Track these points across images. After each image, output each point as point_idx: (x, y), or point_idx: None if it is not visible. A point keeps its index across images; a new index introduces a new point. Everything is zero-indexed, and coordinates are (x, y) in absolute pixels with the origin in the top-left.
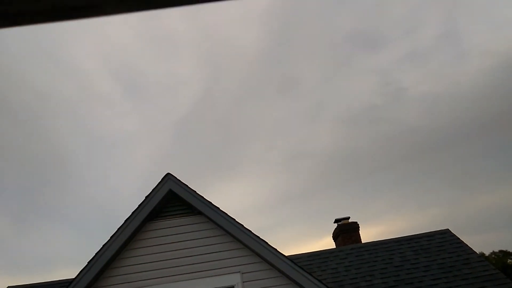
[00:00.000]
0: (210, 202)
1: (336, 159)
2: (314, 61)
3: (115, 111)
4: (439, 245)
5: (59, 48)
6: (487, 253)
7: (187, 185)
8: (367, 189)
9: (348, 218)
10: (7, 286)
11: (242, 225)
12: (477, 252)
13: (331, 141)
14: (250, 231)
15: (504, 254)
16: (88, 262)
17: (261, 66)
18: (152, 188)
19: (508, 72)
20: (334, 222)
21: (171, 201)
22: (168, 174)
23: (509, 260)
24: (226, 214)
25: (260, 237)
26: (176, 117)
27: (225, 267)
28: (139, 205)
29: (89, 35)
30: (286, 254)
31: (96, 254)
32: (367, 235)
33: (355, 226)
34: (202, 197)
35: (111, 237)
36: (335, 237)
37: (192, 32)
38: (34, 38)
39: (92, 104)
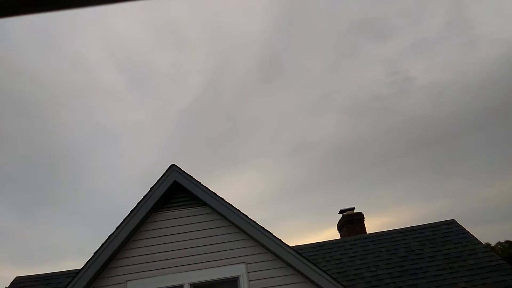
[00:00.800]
0: (215, 193)
1: (342, 150)
2: (320, 51)
3: (121, 103)
4: (445, 236)
5: (65, 40)
6: (493, 243)
7: (191, 176)
8: (372, 180)
9: (353, 209)
10: (15, 276)
11: (247, 216)
12: (483, 243)
13: (336, 132)
14: (255, 222)
15: (510, 244)
16: (94, 253)
17: (266, 58)
18: (157, 179)
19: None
20: (339, 213)
21: (176, 192)
22: (172, 165)
23: None
24: (231, 205)
25: (265, 228)
26: (181, 108)
27: (230, 258)
28: (144, 197)
29: (93, 26)
30: (291, 245)
31: (102, 245)
32: (372, 226)
33: (360, 217)
34: (207, 188)
35: (116, 228)
36: (340, 228)
37: (196, 22)
38: (39, 29)
39: (98, 96)
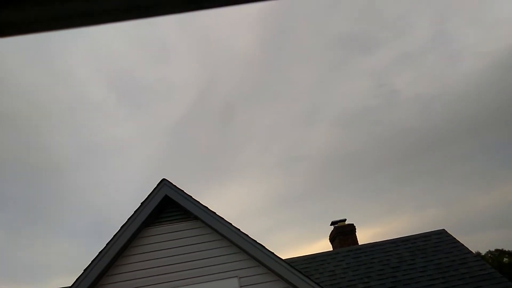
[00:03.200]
0: (206, 207)
1: (332, 161)
2: (308, 64)
3: (110, 118)
4: (436, 246)
5: (53, 56)
6: (483, 252)
7: (182, 191)
8: (363, 190)
9: (345, 220)
10: None
11: (239, 230)
12: (473, 252)
13: (326, 143)
14: (247, 235)
15: (500, 253)
16: (85, 270)
17: (255, 70)
18: (148, 194)
19: (500, 73)
20: (331, 225)
21: (167, 207)
22: (163, 179)
23: (505, 259)
24: (223, 218)
25: (257, 241)
26: (171, 123)
27: (223, 272)
28: (135, 211)
29: (82, 43)
30: (283, 258)
31: (92, 261)
32: (363, 236)
33: (351, 228)
34: (198, 202)
35: (107, 244)
36: (332, 239)
37: (185, 38)
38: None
39: (87, 112)
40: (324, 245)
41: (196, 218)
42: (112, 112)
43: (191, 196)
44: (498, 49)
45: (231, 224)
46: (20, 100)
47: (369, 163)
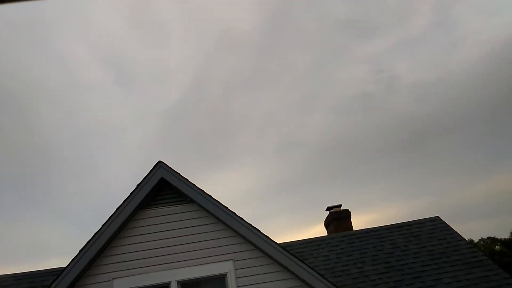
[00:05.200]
0: (202, 190)
1: (328, 148)
2: (307, 49)
3: (106, 100)
4: (429, 232)
5: (45, 36)
6: (476, 240)
7: (179, 173)
8: (359, 177)
9: (340, 206)
10: None
11: (235, 213)
12: (466, 239)
13: (323, 130)
14: (243, 219)
15: (492, 240)
16: (80, 251)
17: (253, 56)
18: (144, 176)
19: (500, 60)
20: (326, 210)
21: (163, 189)
22: (159, 162)
23: (497, 247)
24: (219, 202)
25: (253, 225)
26: (167, 106)
27: (218, 255)
28: (131, 194)
29: (75, 22)
30: (278, 242)
31: (87, 242)
32: (358, 222)
33: (346, 214)
34: (194, 185)
35: (102, 225)
36: (327, 224)
37: (182, 19)
38: (21, 25)
39: (82, 93)
40: (319, 231)
41: (192, 201)
42: (108, 93)
43: (187, 179)
44: (499, 37)
45: (226, 207)
46: (11, 80)
47: (366, 150)
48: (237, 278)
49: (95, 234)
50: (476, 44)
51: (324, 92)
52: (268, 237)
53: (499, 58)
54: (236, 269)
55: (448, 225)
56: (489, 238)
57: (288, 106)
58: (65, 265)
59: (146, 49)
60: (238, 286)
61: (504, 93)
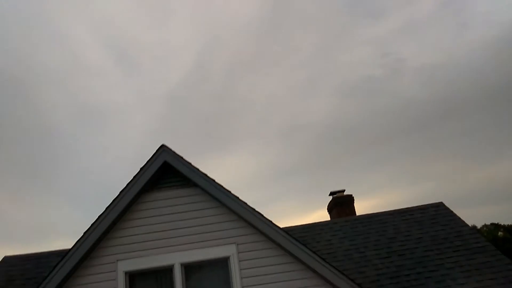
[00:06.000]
0: (205, 174)
1: (332, 132)
2: (311, 31)
3: (108, 82)
4: (432, 218)
5: (47, 17)
6: (479, 226)
7: (182, 157)
8: (363, 162)
9: (343, 191)
10: (4, 255)
11: (237, 197)
12: (469, 225)
13: (326, 114)
14: (245, 203)
15: (495, 227)
16: (84, 233)
17: (255, 38)
18: (147, 160)
19: (508, 44)
20: (329, 195)
21: (166, 173)
22: (162, 145)
23: (500, 233)
24: (222, 186)
25: (255, 209)
26: (169, 88)
27: (221, 239)
28: (134, 177)
29: (77, 2)
30: (281, 226)
31: (92, 224)
32: (361, 208)
33: (350, 199)
34: (197, 169)
35: (106, 208)
36: (330, 209)
37: (186, 1)
38: (23, 6)
39: (84, 74)
40: (322, 215)
41: (195, 185)
42: (110, 75)
43: (190, 163)
44: (508, 20)
45: (229, 191)
46: (18, 63)
47: (370, 134)
48: (239, 261)
49: (99, 216)
50: (486, 27)
51: (328, 75)
52: (270, 221)
53: (507, 42)
54: (239, 253)
55: (451, 211)
56: (492, 224)
57: (291, 89)
58: (70, 247)
59: (148, 31)
60: (240, 269)
61: (509, 77)
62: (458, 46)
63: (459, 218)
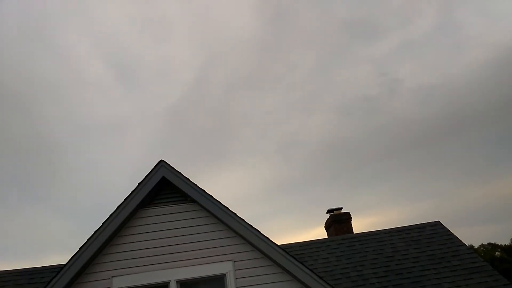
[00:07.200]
0: (204, 190)
1: (329, 149)
2: (309, 50)
3: (107, 97)
4: (430, 237)
5: (49, 32)
6: (476, 245)
7: (180, 173)
8: (360, 180)
9: (341, 208)
10: None
11: (235, 214)
12: (467, 245)
13: (324, 131)
14: (243, 220)
15: (493, 246)
16: (80, 248)
17: (255, 54)
18: (145, 175)
19: (503, 64)
20: (327, 213)
21: (164, 189)
22: (161, 161)
23: (497, 253)
24: (220, 202)
25: (253, 226)
26: (169, 104)
27: (218, 255)
28: (132, 192)
29: (80, 19)
30: (278, 244)
31: (87, 240)
32: (359, 225)
33: (347, 217)
34: (196, 185)
35: (103, 223)
36: (327, 227)
37: (185, 17)
38: (24, 21)
39: (84, 90)
40: (319, 233)
41: (193, 201)
42: (110, 90)
43: (188, 179)
44: (503, 41)
45: (227, 208)
46: (17, 77)
47: (368, 152)
48: (236, 278)
49: (95, 231)
50: (480, 48)
51: (326, 93)
52: (268, 238)
53: (502, 62)
54: (235, 270)
55: (449, 230)
56: (489, 244)
57: (290, 106)
58: (65, 262)
59: (149, 47)
60: (237, 287)
61: (506, 97)
62: (453, 66)
63: (456, 238)
